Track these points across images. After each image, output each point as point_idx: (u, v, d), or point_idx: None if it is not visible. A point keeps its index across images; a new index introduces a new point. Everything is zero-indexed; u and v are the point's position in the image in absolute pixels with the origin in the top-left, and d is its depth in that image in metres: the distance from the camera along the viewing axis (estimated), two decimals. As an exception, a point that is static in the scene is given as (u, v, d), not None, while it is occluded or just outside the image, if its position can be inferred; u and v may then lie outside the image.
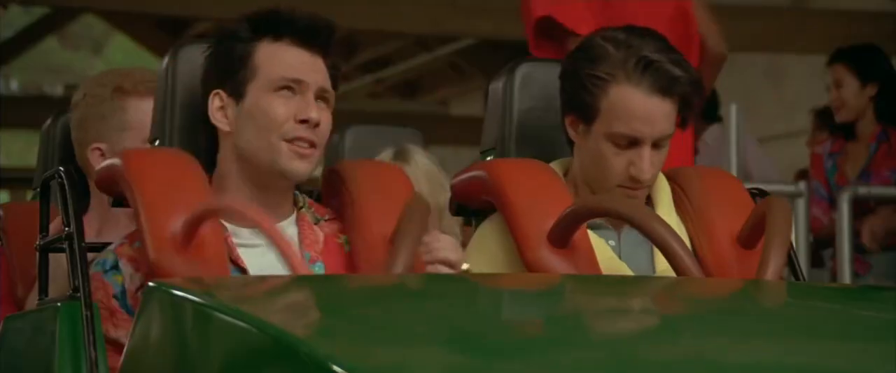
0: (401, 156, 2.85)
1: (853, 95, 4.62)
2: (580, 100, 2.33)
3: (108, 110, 2.61)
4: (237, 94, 2.24)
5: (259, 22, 2.26)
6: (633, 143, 2.31)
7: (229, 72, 2.25)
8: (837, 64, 4.67)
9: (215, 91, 2.26)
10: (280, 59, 2.24)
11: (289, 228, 2.26)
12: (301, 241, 2.25)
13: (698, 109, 2.37)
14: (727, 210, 2.35)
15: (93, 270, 2.22)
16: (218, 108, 2.25)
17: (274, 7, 2.27)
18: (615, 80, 2.30)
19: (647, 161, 2.30)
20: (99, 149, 2.62)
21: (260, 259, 2.22)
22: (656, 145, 2.32)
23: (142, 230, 2.12)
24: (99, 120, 2.62)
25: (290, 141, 2.22)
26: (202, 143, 2.29)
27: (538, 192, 2.28)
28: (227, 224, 2.23)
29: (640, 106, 2.30)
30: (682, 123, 2.35)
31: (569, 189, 2.34)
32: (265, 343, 1.54)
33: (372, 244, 2.18)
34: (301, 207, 2.30)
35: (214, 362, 1.63)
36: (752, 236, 2.28)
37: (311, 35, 2.25)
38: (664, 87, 2.29)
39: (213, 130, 2.28)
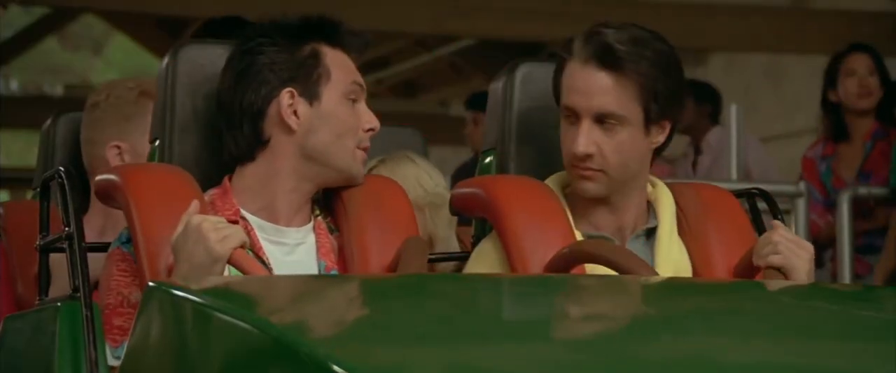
0: (387, 166, 2.84)
1: (877, 86, 4.62)
2: (554, 86, 2.34)
3: (132, 111, 2.67)
4: (311, 94, 2.26)
5: (317, 26, 2.29)
6: (577, 117, 2.28)
7: (301, 71, 2.26)
8: (864, 54, 4.63)
9: (288, 89, 2.25)
10: (345, 65, 2.30)
11: (308, 235, 2.27)
12: (318, 249, 2.27)
13: (675, 99, 2.28)
14: (726, 235, 2.33)
15: (111, 248, 2.23)
16: (288, 105, 2.25)
17: (323, 14, 2.30)
18: (569, 58, 2.30)
19: (583, 134, 2.26)
20: (118, 146, 2.67)
21: (285, 258, 2.23)
22: (603, 123, 2.27)
23: (138, 250, 2.13)
24: (123, 119, 2.67)
25: (360, 149, 2.29)
26: (238, 142, 2.27)
27: (536, 218, 2.27)
28: (249, 216, 2.24)
29: (577, 76, 2.28)
30: (649, 111, 2.26)
31: (569, 203, 2.33)
32: (265, 343, 1.54)
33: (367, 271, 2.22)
34: (317, 215, 2.31)
35: (215, 362, 1.63)
36: (748, 271, 2.28)
37: (361, 46, 2.32)
38: (599, 55, 2.26)
39: (254, 129, 2.25)
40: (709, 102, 5.54)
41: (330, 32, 2.29)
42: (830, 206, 4.53)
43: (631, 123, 2.28)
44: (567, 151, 2.30)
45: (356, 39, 2.32)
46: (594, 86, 2.27)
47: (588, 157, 2.27)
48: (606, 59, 2.26)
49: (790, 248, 2.21)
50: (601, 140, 2.27)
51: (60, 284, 2.34)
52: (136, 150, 2.65)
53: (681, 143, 5.82)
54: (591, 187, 2.31)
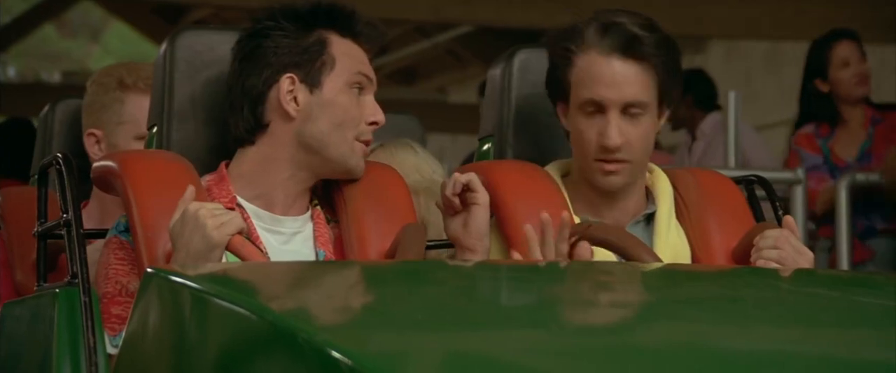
0: (386, 153, 2.83)
1: (869, 73, 4.60)
2: (556, 79, 2.32)
3: (108, 100, 2.67)
4: (312, 81, 2.24)
5: (327, 14, 2.27)
6: (600, 110, 2.28)
7: (305, 57, 2.24)
8: (851, 41, 4.60)
9: (288, 74, 2.24)
10: (354, 55, 2.27)
11: (306, 224, 2.27)
12: (316, 239, 2.26)
13: (678, 82, 2.30)
14: (724, 220, 2.34)
15: (108, 236, 2.23)
16: (288, 90, 2.24)
17: (335, 2, 2.28)
18: (580, 49, 2.29)
19: (614, 126, 2.26)
20: (94, 135, 2.68)
21: (283, 247, 2.22)
22: (628, 113, 2.27)
23: (136, 236, 2.13)
24: (99, 108, 2.68)
25: (361, 141, 2.26)
26: (239, 125, 2.26)
27: (535, 203, 2.26)
28: (246, 204, 2.24)
29: (602, 68, 2.27)
30: (662, 96, 2.29)
31: (569, 191, 2.33)
32: (263, 329, 1.54)
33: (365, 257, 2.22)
34: (316, 205, 2.30)
35: (212, 348, 1.63)
36: (744, 256, 2.28)
37: (374, 37, 2.29)
38: (624, 45, 2.26)
39: (254, 112, 2.24)
40: (689, 92, 5.49)
41: (341, 21, 2.27)
42: (832, 171, 4.51)
43: (651, 110, 2.30)
44: (592, 143, 2.28)
45: (369, 30, 2.29)
46: (622, 76, 2.26)
47: (618, 148, 2.28)
48: (633, 49, 2.26)
49: (790, 254, 2.21)
50: (628, 130, 2.27)
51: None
52: (110, 140, 2.66)
53: (679, 134, 5.82)
54: (617, 180, 2.31)
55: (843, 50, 4.56)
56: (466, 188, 2.25)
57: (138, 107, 2.64)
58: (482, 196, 2.25)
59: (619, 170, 2.29)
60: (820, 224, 4.52)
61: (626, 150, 2.28)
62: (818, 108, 4.57)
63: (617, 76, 2.26)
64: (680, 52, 2.33)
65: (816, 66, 4.59)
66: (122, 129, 2.66)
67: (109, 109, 2.67)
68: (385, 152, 2.81)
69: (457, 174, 2.28)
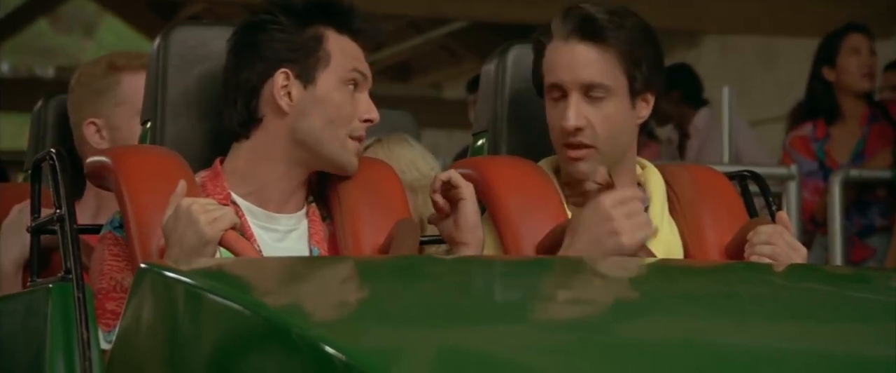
0: (383, 149, 2.83)
1: (876, 68, 4.56)
2: (535, 73, 2.34)
3: (102, 86, 2.66)
4: (307, 77, 2.23)
5: (325, 9, 2.25)
6: (563, 94, 2.29)
7: (300, 52, 2.23)
8: (863, 34, 4.57)
9: (283, 69, 2.23)
10: (349, 51, 2.26)
11: (301, 221, 2.26)
12: (311, 236, 2.25)
13: (654, 71, 2.28)
14: (718, 215, 2.34)
15: (102, 232, 2.22)
16: (282, 86, 2.23)
17: None
18: (548, 39, 2.31)
19: (572, 107, 2.27)
20: (94, 123, 2.67)
21: (277, 244, 2.22)
22: (589, 96, 2.28)
23: (129, 232, 2.13)
24: (94, 96, 2.67)
25: (353, 138, 2.25)
26: (232, 118, 2.25)
27: (528, 199, 2.27)
28: (240, 200, 2.23)
29: (560, 52, 2.29)
30: (632, 82, 2.28)
31: (563, 185, 2.33)
32: (257, 325, 1.54)
33: (359, 251, 2.21)
34: (311, 202, 2.30)
35: (206, 343, 1.63)
36: (738, 252, 2.29)
37: (372, 34, 2.28)
38: (579, 28, 2.27)
39: (248, 106, 2.24)
40: (676, 88, 5.46)
41: (338, 17, 2.26)
42: (827, 177, 4.48)
43: (617, 94, 2.29)
44: (556, 128, 2.30)
45: (367, 27, 2.28)
46: (579, 58, 2.28)
47: (578, 130, 2.28)
48: (588, 30, 2.28)
49: (784, 250, 2.21)
50: (589, 113, 2.28)
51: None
52: (111, 123, 2.65)
53: (664, 129, 5.82)
54: (584, 167, 2.31)
55: (855, 40, 4.53)
56: (449, 185, 2.25)
57: (134, 86, 2.63)
58: (466, 190, 2.25)
59: (584, 156, 2.30)
60: (820, 225, 4.51)
61: (589, 133, 2.28)
62: (821, 97, 4.53)
63: (575, 59, 2.28)
64: (657, 41, 2.32)
65: (826, 53, 4.54)
66: (121, 109, 2.65)
67: (105, 93, 2.66)
68: (382, 148, 2.80)
69: (437, 175, 2.30)
